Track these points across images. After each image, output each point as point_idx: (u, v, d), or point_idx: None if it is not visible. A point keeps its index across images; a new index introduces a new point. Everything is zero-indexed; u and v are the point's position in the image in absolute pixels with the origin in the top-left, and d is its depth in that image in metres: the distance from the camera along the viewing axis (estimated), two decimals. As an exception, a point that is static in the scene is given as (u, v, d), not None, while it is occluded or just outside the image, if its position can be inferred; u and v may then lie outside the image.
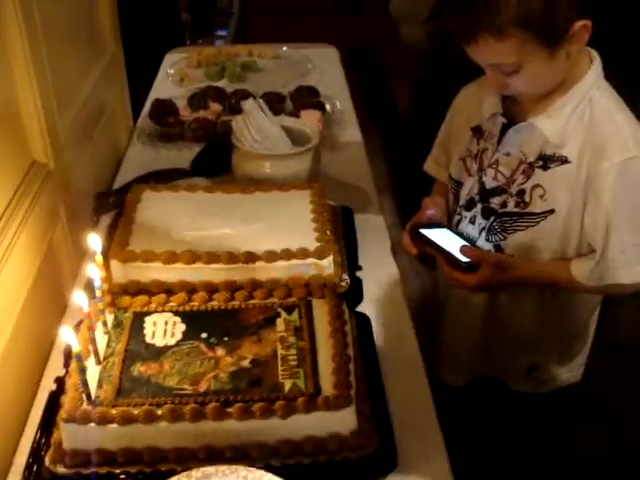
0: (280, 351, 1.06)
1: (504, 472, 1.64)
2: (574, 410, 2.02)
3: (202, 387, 1.00)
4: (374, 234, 1.51)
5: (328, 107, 1.96)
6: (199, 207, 1.42)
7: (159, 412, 0.95)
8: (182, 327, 1.12)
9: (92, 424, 0.94)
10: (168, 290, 1.23)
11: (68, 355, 1.13)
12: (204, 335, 1.10)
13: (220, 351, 1.07)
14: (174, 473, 0.92)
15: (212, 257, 1.25)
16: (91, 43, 1.65)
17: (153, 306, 1.17)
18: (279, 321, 1.13)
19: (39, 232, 1.19)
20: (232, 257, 1.25)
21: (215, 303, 1.19)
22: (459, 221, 1.40)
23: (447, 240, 1.31)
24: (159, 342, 1.09)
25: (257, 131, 1.59)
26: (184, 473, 0.90)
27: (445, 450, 1.03)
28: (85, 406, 0.96)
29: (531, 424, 1.60)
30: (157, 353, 1.06)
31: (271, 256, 1.25)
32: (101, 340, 1.08)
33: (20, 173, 1.17)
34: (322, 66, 2.30)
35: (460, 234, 1.35)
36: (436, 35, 3.38)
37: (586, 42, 1.14)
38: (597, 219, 1.19)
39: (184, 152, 1.81)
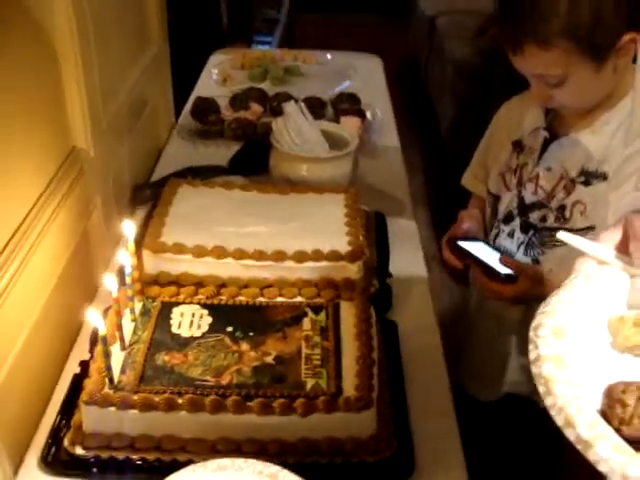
0: (304, 350, 1.06)
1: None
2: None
3: (224, 380, 1.00)
4: (407, 242, 1.50)
5: (368, 115, 1.96)
6: (234, 204, 1.42)
7: (180, 401, 0.95)
8: (209, 320, 1.12)
9: (113, 408, 0.95)
10: (197, 283, 1.24)
11: (94, 340, 1.13)
12: (230, 329, 1.10)
13: (245, 345, 1.07)
14: (191, 463, 0.92)
15: (241, 253, 1.25)
16: (138, 36, 1.67)
17: (181, 297, 1.18)
18: (305, 320, 1.12)
19: (75, 216, 1.21)
20: (261, 254, 1.25)
21: (243, 298, 1.19)
22: (497, 235, 1.39)
23: (485, 253, 1.31)
24: (185, 333, 1.09)
25: (296, 133, 1.60)
26: (199, 463, 0.90)
27: (463, 459, 1.01)
28: (107, 390, 0.97)
29: (558, 444, 1.57)
30: (182, 344, 1.07)
31: (301, 256, 1.25)
32: (128, 327, 1.09)
33: (61, 156, 1.18)
34: (365, 75, 2.30)
35: (497, 248, 1.34)
36: (481, 52, 3.37)
37: (634, 56, 1.12)
38: None
39: (222, 150, 1.81)
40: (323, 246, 1.27)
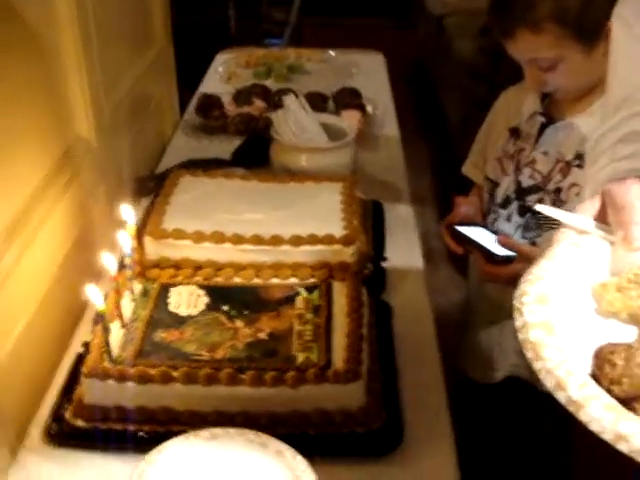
0: (297, 326, 1.10)
1: (517, 470, 1.64)
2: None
3: (218, 354, 1.04)
4: (403, 229, 1.53)
5: (369, 109, 2.00)
6: (234, 193, 1.46)
7: (175, 374, 0.99)
8: (205, 300, 1.16)
9: (111, 381, 0.99)
10: (197, 268, 1.28)
11: (97, 321, 1.17)
12: (225, 308, 1.14)
13: (239, 323, 1.11)
14: (186, 434, 0.96)
15: (239, 238, 1.29)
16: (141, 34, 1.73)
17: (180, 279, 1.22)
18: (299, 299, 1.16)
19: (78, 203, 1.25)
20: (259, 239, 1.29)
21: (239, 280, 1.23)
22: (495, 219, 1.42)
23: (482, 236, 1.33)
24: (182, 312, 1.13)
25: (295, 125, 1.64)
26: (193, 432, 0.94)
27: (452, 431, 1.04)
28: (106, 364, 1.01)
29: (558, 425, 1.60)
30: (179, 321, 1.11)
31: (297, 240, 1.29)
32: (128, 307, 1.13)
33: (64, 145, 1.23)
34: (367, 71, 2.34)
35: (495, 232, 1.36)
36: (488, 50, 3.40)
37: None
38: None
39: (226, 145, 1.85)
40: (319, 231, 1.31)
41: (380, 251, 1.41)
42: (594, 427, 0.53)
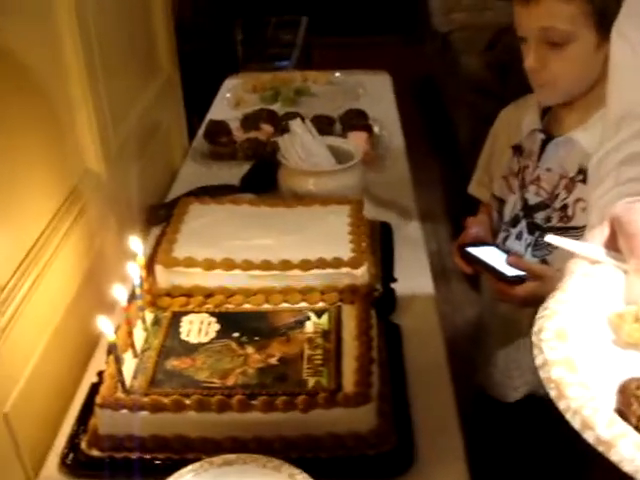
0: (307, 351, 1.11)
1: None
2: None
3: (230, 381, 1.05)
4: (412, 250, 1.54)
5: (376, 129, 2.02)
6: (242, 219, 1.48)
7: (187, 402, 1.00)
8: (216, 327, 1.18)
9: (125, 410, 1.00)
10: (208, 295, 1.29)
11: (110, 352, 1.19)
12: (236, 334, 1.15)
13: (250, 349, 1.12)
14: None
15: (249, 264, 1.31)
16: (147, 63, 1.75)
17: (191, 307, 1.24)
18: (308, 324, 1.17)
19: (89, 236, 1.28)
20: (268, 264, 1.30)
21: (249, 306, 1.25)
22: (506, 238, 1.42)
23: (493, 256, 1.33)
24: (193, 339, 1.14)
25: (302, 149, 1.66)
26: (207, 459, 0.95)
27: (464, 453, 1.04)
28: (119, 394, 1.02)
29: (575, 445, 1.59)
30: (191, 349, 1.12)
31: (306, 264, 1.30)
32: (140, 336, 1.15)
33: (73, 179, 1.25)
34: (374, 91, 2.36)
35: (507, 251, 1.36)
36: (493, 65, 3.42)
37: None
38: None
39: (235, 170, 1.87)
40: (327, 254, 1.32)
41: (389, 272, 1.42)
42: (627, 467, 0.52)
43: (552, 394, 0.58)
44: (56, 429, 1.10)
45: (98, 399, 1.02)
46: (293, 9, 4.89)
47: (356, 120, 2.05)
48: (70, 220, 1.19)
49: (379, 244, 1.50)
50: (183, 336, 1.15)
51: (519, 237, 1.38)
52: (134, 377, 1.06)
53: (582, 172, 1.25)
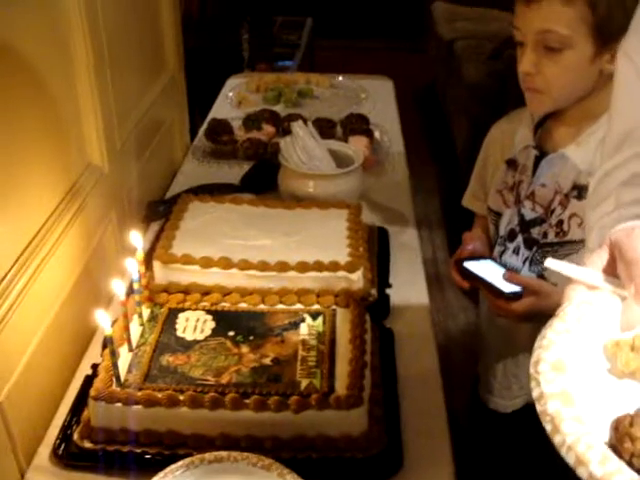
0: (301, 352, 1.12)
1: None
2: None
3: (224, 379, 1.06)
4: (408, 256, 1.55)
5: (377, 134, 2.03)
6: (241, 218, 1.49)
7: (181, 398, 1.02)
8: (212, 325, 1.19)
9: (118, 404, 1.01)
10: (205, 293, 1.30)
11: (105, 344, 1.20)
12: (231, 333, 1.16)
13: (245, 348, 1.13)
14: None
15: (246, 264, 1.32)
16: (153, 61, 1.77)
17: (187, 304, 1.25)
18: (303, 326, 1.19)
19: (89, 229, 1.29)
20: (265, 265, 1.31)
21: (245, 305, 1.26)
22: (503, 252, 1.42)
23: (490, 271, 1.33)
24: (189, 336, 1.16)
25: (303, 151, 1.67)
26: (198, 455, 0.96)
27: (452, 457, 1.06)
28: (114, 387, 1.03)
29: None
30: (186, 346, 1.13)
31: (303, 266, 1.31)
32: (136, 331, 1.16)
33: (76, 172, 1.27)
34: (376, 96, 2.37)
35: (504, 265, 1.36)
36: (494, 75, 3.43)
37: None
38: None
39: (235, 169, 1.89)
40: (325, 257, 1.33)
41: (385, 277, 1.43)
42: None
43: (547, 428, 0.59)
44: (50, 420, 1.11)
45: (92, 391, 1.03)
46: (299, 10, 4.91)
47: (357, 124, 2.06)
48: (71, 213, 1.20)
49: (376, 249, 1.51)
50: (179, 332, 1.16)
51: (516, 252, 1.38)
52: (129, 371, 1.07)
53: (576, 188, 1.26)
